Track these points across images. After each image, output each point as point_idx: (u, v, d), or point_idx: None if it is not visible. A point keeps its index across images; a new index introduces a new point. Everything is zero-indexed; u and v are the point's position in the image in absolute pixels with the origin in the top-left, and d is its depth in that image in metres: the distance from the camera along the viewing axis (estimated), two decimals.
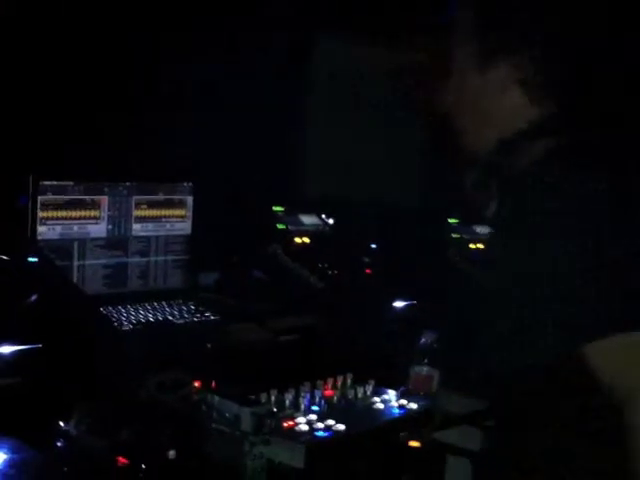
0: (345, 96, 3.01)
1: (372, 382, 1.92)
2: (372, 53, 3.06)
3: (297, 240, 2.62)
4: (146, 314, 2.24)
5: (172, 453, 1.46)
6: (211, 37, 2.63)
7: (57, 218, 2.19)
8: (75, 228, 2.23)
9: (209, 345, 2.06)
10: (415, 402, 1.87)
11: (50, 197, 2.17)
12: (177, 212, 2.44)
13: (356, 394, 1.88)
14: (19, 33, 2.27)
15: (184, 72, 2.56)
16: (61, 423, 1.57)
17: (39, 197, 2.15)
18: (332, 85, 3.04)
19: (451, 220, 3.00)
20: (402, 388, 1.96)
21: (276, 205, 2.70)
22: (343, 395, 1.86)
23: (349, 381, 1.92)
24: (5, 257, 1.80)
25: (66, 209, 2.20)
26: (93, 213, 2.26)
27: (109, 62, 2.43)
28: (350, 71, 3.05)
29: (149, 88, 2.52)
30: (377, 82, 3.04)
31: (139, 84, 2.49)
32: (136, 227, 2.35)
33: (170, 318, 2.24)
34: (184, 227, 2.45)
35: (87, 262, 2.26)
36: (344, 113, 3.02)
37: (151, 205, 2.38)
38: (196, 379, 1.75)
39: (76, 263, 2.23)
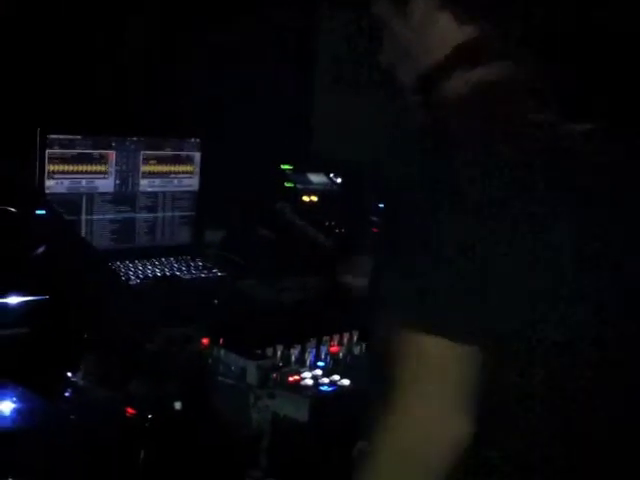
0: (355, 54, 2.98)
1: None
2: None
3: (305, 198, 2.61)
4: (154, 269, 2.24)
5: (178, 404, 1.47)
6: None
7: (65, 172, 2.19)
8: (83, 182, 2.23)
9: (216, 301, 2.07)
10: None
11: (58, 151, 2.17)
12: (185, 168, 2.43)
13: (362, 351, 1.88)
14: None
15: (195, 27, 2.54)
16: (69, 374, 1.58)
17: (47, 150, 2.15)
18: (342, 42, 3.01)
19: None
20: None
21: (284, 163, 2.69)
22: (349, 351, 1.87)
23: (355, 338, 1.92)
24: (14, 209, 1.81)
25: (74, 163, 2.20)
26: (101, 168, 2.26)
27: (120, 15, 2.41)
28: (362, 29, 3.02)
29: (158, 42, 2.50)
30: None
31: (149, 38, 2.47)
32: (144, 183, 2.35)
33: (177, 274, 2.25)
34: (192, 183, 2.45)
35: (95, 217, 2.26)
36: (354, 70, 2.99)
37: (159, 161, 2.38)
38: (204, 335, 1.75)
39: (84, 217, 2.24)
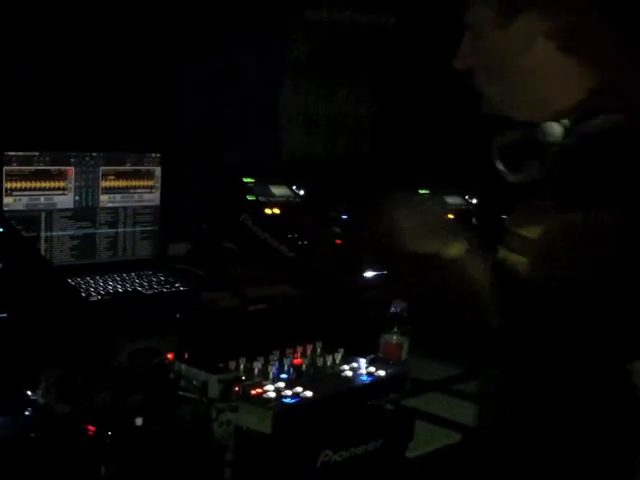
0: (320, 59, 2.99)
1: (342, 350, 1.93)
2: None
3: (267, 211, 2.61)
4: (115, 285, 2.23)
5: (139, 420, 1.46)
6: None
7: (23, 189, 2.17)
8: (42, 199, 2.21)
9: (179, 315, 2.06)
10: (384, 369, 1.88)
11: (15, 167, 2.15)
12: (145, 183, 2.42)
13: (325, 362, 1.88)
14: None
15: (152, 40, 2.54)
16: (29, 391, 1.56)
17: (4, 168, 2.13)
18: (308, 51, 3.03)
19: (422, 191, 3.00)
20: (372, 356, 1.97)
21: (246, 176, 2.69)
22: (312, 363, 1.86)
23: (318, 349, 1.92)
24: None
25: (32, 180, 2.19)
26: (60, 184, 2.24)
27: (77, 31, 2.40)
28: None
29: (116, 57, 2.49)
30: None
31: (108, 53, 2.46)
32: (104, 198, 2.34)
33: (139, 289, 2.24)
34: (153, 198, 2.44)
35: (55, 233, 2.24)
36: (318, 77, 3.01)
37: (119, 176, 2.36)
38: (167, 350, 1.74)
39: (43, 234, 2.22)
